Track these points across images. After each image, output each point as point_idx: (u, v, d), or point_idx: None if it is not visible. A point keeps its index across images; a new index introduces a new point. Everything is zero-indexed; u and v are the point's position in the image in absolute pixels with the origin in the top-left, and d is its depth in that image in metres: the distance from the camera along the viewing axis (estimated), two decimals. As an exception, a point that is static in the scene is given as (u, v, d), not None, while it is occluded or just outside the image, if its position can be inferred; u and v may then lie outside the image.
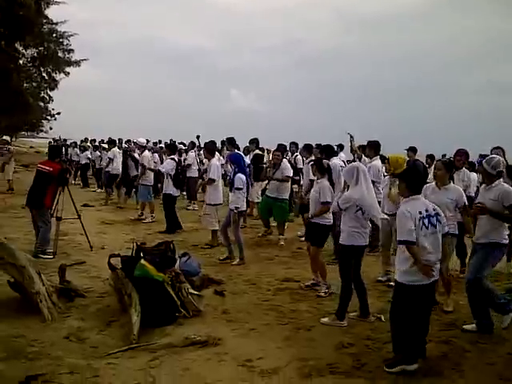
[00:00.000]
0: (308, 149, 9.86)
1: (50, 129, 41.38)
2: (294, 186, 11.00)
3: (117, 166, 13.52)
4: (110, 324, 5.09)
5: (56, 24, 28.87)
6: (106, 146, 15.14)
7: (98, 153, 16.32)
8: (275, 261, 7.82)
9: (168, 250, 5.78)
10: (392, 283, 6.36)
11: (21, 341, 4.52)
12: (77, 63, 32.38)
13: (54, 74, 31.96)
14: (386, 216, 6.47)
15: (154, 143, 17.90)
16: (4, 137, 17.81)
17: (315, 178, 6.32)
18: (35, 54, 30.27)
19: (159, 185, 14.61)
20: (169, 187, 10.01)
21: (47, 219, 7.68)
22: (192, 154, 13.75)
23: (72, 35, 30.13)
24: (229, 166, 10.54)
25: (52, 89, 32.99)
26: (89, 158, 17.34)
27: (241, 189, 7.36)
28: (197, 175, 13.81)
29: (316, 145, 10.64)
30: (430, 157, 11.60)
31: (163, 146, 15.32)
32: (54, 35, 29.16)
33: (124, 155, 13.31)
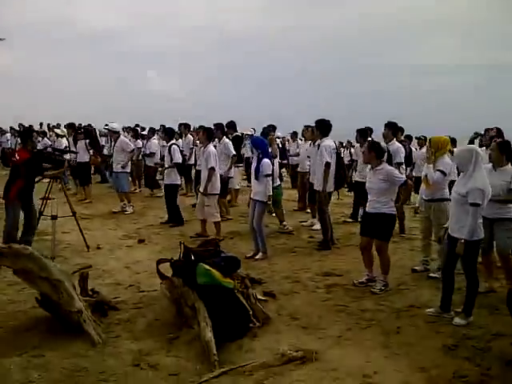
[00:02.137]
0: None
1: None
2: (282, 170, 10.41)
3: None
4: (173, 342, 4.27)
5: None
6: (59, 131, 13.60)
7: (47, 140, 14.69)
8: (298, 253, 7.21)
9: (219, 251, 5.02)
10: (432, 274, 6.05)
11: (87, 376, 3.66)
12: (-11, 42, 29.76)
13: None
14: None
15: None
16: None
17: (369, 166, 5.73)
18: None
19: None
20: (173, 176, 9.04)
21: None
22: (155, 141, 12.84)
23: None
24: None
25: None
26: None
27: (270, 175, 6.67)
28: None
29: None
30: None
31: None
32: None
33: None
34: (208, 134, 8.16)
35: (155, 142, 12.78)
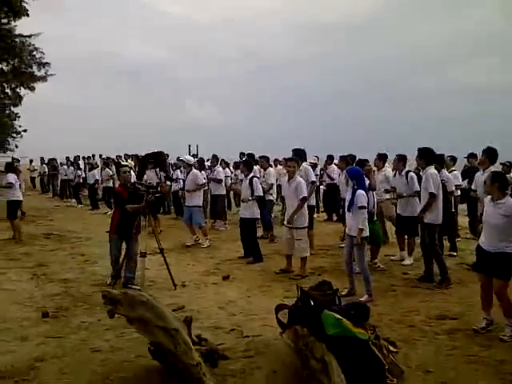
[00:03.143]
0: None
1: (16, 147, 39.44)
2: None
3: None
4: (300, 399, 3.84)
5: (29, 37, 26.79)
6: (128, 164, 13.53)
7: (109, 171, 14.71)
8: (398, 292, 6.67)
9: (336, 294, 4.58)
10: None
11: None
12: (43, 78, 30.41)
13: (18, 90, 29.89)
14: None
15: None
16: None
17: (488, 197, 5.21)
18: (3, 68, 28.09)
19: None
20: (254, 210, 8.64)
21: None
22: (220, 168, 12.55)
23: (37, 48, 28.05)
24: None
25: (16, 105, 30.92)
26: (97, 179, 15.66)
27: (365, 207, 6.22)
28: (225, 192, 12.78)
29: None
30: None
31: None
32: (28, 48, 27.06)
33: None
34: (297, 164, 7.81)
35: (221, 170, 12.52)
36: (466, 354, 4.63)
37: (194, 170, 10.31)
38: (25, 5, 23.58)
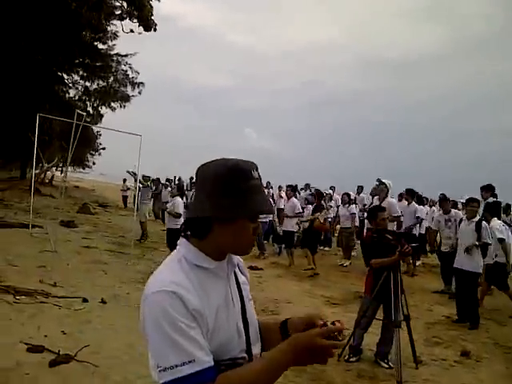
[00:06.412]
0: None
1: (93, 164, 39.57)
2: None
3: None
4: None
5: (126, 56, 26.43)
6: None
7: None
8: None
9: None
10: None
11: None
12: (127, 99, 29.94)
13: (99, 109, 29.59)
14: None
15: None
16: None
17: None
18: (96, 86, 27.86)
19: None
20: (478, 260, 7.07)
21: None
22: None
23: (131, 68, 27.62)
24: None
25: (96, 123, 30.68)
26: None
27: None
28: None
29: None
30: None
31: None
32: (123, 67, 26.72)
33: None
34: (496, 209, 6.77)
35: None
36: None
37: (389, 198, 8.86)
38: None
